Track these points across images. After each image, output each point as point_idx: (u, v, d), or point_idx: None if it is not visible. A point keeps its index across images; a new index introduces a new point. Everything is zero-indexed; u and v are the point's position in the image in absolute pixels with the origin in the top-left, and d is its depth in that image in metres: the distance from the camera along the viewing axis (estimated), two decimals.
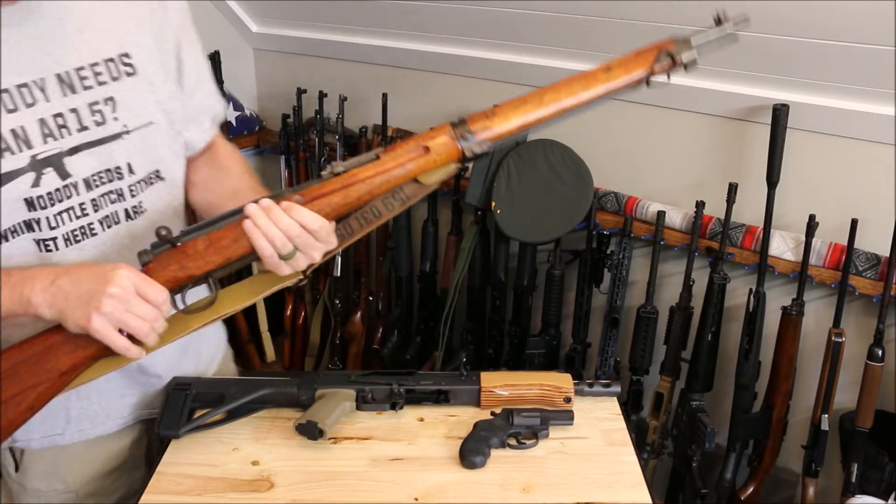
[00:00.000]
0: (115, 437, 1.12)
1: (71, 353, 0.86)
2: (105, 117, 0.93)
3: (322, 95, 2.17)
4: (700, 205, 1.69)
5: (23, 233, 0.91)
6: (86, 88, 0.91)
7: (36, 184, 0.89)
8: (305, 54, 2.33)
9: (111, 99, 0.93)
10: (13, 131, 0.86)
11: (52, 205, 0.91)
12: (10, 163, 0.86)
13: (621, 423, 1.12)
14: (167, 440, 1.07)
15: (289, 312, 2.39)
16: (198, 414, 1.09)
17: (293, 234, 0.85)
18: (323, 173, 0.89)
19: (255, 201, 0.87)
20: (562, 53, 1.84)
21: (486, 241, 1.98)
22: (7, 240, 0.90)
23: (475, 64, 1.99)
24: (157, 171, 1.01)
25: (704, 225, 1.72)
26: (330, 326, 2.26)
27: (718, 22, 0.90)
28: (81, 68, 0.90)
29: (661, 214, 1.74)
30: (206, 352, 1.22)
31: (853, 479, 1.56)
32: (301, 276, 0.92)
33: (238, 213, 0.87)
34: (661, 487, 1.86)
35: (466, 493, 0.98)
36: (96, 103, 0.92)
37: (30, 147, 0.87)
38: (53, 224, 0.92)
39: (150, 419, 1.14)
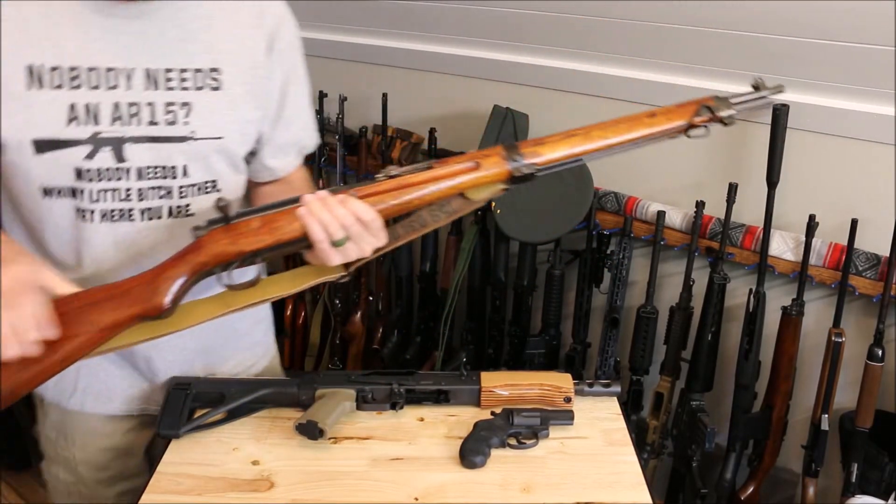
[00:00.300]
0: (115, 420, 1.16)
1: (115, 310, 0.88)
2: (177, 119, 0.97)
3: (322, 95, 2.17)
4: (700, 205, 1.69)
5: (66, 197, 0.97)
6: (168, 88, 0.96)
7: (90, 157, 0.94)
8: (305, 54, 2.32)
9: (188, 104, 0.97)
10: (87, 105, 0.92)
11: (99, 181, 0.96)
12: (73, 131, 0.92)
13: (621, 423, 1.12)
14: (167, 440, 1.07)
15: (289, 312, 2.39)
16: (198, 414, 1.09)
17: (347, 222, 0.88)
18: (378, 176, 0.92)
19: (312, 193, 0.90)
20: (562, 53, 1.84)
21: (486, 241, 1.98)
22: (51, 196, 0.96)
23: (475, 64, 1.99)
24: (214, 182, 1.03)
25: (704, 225, 1.72)
26: (330, 326, 2.26)
27: (756, 88, 0.99)
28: (170, 70, 0.96)
29: (661, 214, 1.74)
30: (233, 360, 1.21)
31: (853, 479, 1.56)
32: (343, 272, 0.96)
33: (295, 201, 0.90)
34: (661, 487, 1.86)
35: (466, 493, 0.98)
36: (173, 104, 0.96)
37: (97, 123, 0.93)
38: (94, 198, 0.97)
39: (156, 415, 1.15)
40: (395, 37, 2.10)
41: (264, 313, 1.26)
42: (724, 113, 0.96)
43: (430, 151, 2.01)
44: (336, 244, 0.89)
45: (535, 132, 1.91)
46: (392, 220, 0.95)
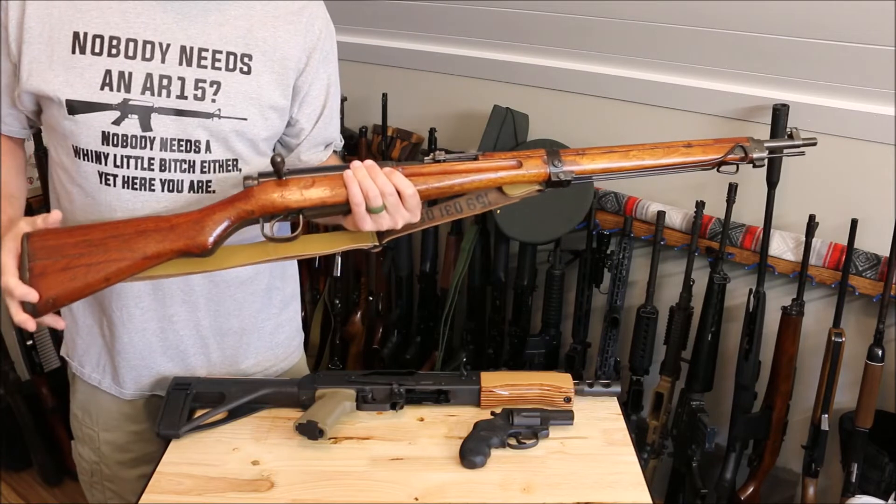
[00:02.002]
0: (134, 403, 1.18)
1: (160, 242, 0.94)
2: (205, 95, 1.01)
3: None
4: (700, 205, 1.69)
5: (91, 161, 1.01)
6: (200, 66, 1.00)
7: (117, 123, 0.99)
8: None
9: (217, 83, 1.01)
10: (121, 73, 0.98)
11: (124, 147, 1.00)
12: (105, 96, 0.98)
13: (621, 423, 1.12)
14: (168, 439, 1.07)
15: None
16: (198, 414, 1.09)
17: (386, 191, 0.93)
18: (426, 159, 0.98)
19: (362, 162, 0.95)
20: (562, 53, 1.84)
21: (486, 241, 1.98)
22: (80, 157, 1.01)
23: (475, 64, 1.99)
24: (236, 161, 1.06)
25: (704, 225, 1.72)
26: (330, 326, 2.26)
27: (790, 136, 1.02)
28: (205, 50, 1.00)
29: (661, 214, 1.74)
30: (253, 358, 1.22)
31: (853, 479, 1.56)
32: (376, 243, 1.00)
33: (341, 168, 0.95)
34: (661, 487, 1.87)
35: (466, 493, 0.98)
36: (203, 81, 1.00)
37: (127, 91, 0.98)
38: (118, 164, 1.01)
39: None
40: (395, 37, 2.10)
41: (290, 315, 1.28)
42: (756, 154, 1.00)
43: (430, 151, 2.01)
44: (371, 210, 0.93)
45: (535, 132, 1.91)
46: (429, 203, 1.00)
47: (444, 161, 0.98)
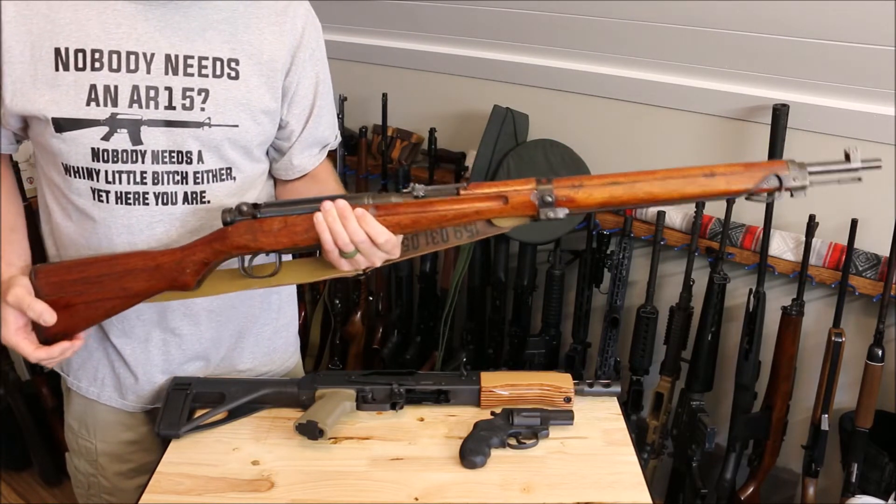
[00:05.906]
0: (134, 413, 1.17)
1: (146, 281, 0.98)
2: (193, 104, 0.99)
3: None
4: (700, 205, 1.69)
5: (83, 178, 1.00)
6: (187, 74, 0.98)
7: (106, 138, 0.97)
8: None
9: (205, 90, 0.99)
10: (106, 87, 0.95)
11: (115, 162, 0.98)
12: (92, 112, 0.95)
13: (621, 423, 1.12)
14: (167, 440, 1.07)
15: None
16: (198, 414, 1.09)
17: (357, 239, 0.91)
18: (404, 191, 0.94)
19: (334, 199, 0.92)
20: (562, 53, 1.85)
21: (486, 241, 1.98)
22: (71, 175, 1.00)
23: (475, 64, 1.99)
24: (229, 169, 1.05)
25: (704, 225, 1.72)
26: (330, 326, 2.26)
27: (847, 158, 0.86)
28: (190, 57, 0.98)
29: (661, 214, 1.74)
30: (249, 363, 1.22)
31: (853, 479, 1.56)
32: (359, 270, 0.98)
33: (318, 203, 0.93)
34: (661, 487, 1.87)
35: (466, 493, 0.98)
36: (191, 90, 0.98)
37: (115, 105, 0.96)
38: (110, 179, 0.99)
39: None
40: (395, 37, 2.10)
41: (287, 320, 1.28)
42: (795, 183, 0.85)
43: (430, 151, 2.01)
44: (345, 256, 0.92)
45: (535, 132, 1.91)
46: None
47: (423, 197, 0.92)
